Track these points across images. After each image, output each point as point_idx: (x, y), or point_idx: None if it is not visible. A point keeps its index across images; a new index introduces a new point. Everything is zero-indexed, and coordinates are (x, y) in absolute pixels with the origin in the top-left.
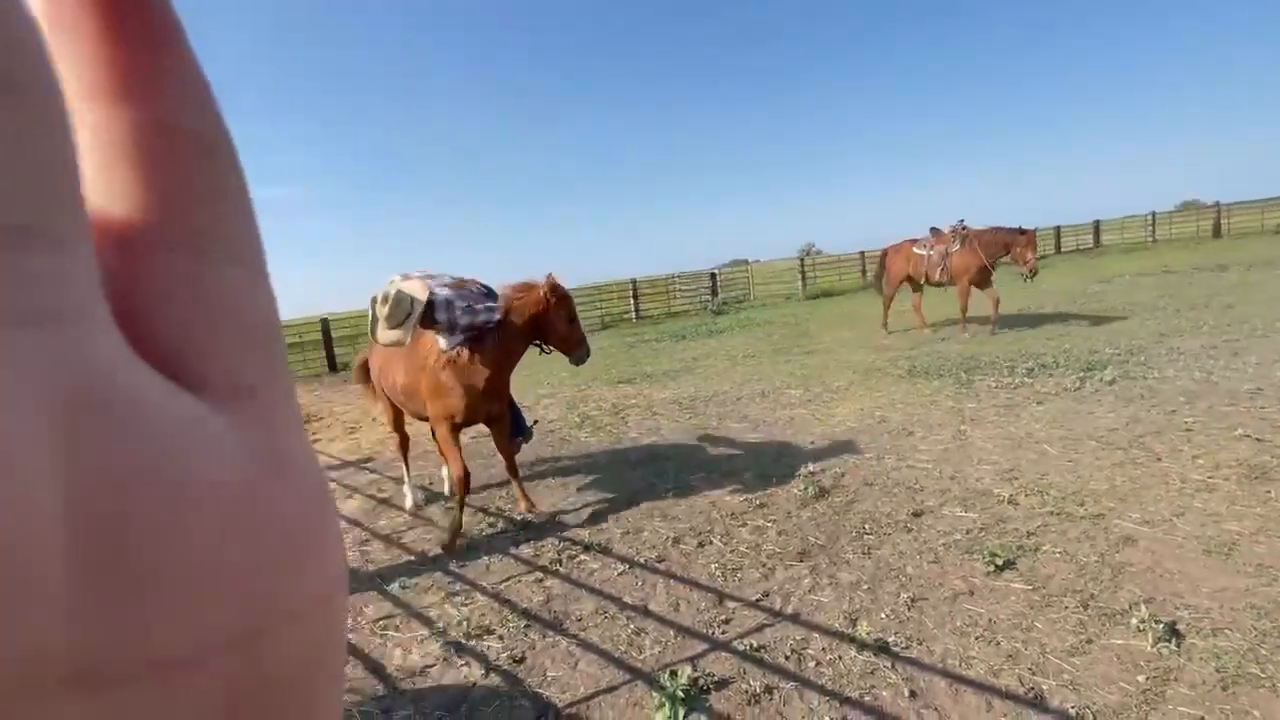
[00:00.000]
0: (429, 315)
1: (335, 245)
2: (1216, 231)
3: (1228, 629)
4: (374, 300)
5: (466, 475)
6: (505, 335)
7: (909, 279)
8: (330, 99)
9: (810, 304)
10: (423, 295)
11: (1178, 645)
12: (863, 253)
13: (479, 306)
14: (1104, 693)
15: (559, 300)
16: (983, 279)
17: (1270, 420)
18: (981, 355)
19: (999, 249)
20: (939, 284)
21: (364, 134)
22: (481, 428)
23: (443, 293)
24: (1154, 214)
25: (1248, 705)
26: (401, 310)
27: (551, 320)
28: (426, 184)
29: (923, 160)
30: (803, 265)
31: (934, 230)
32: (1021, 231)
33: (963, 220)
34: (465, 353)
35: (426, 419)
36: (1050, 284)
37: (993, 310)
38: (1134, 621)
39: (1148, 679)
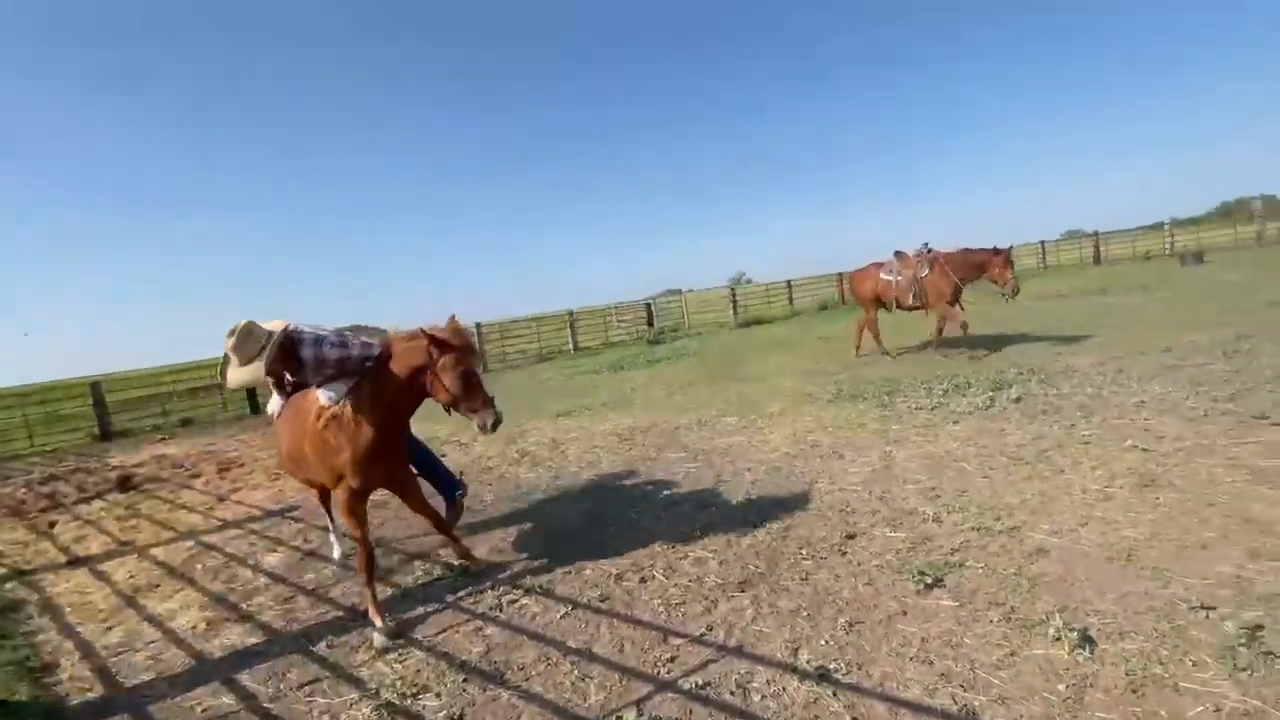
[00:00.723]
0: (292, 353)
1: (250, 282)
2: (1097, 258)
3: (1132, 632)
4: (226, 335)
5: (370, 551)
6: (388, 388)
7: (875, 302)
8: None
9: (742, 332)
10: (277, 328)
11: (1091, 651)
12: (789, 281)
13: (354, 342)
14: (1030, 705)
15: (446, 351)
16: (955, 300)
17: (1154, 431)
18: (901, 377)
19: (972, 270)
20: (911, 308)
21: (292, 164)
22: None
23: (308, 328)
24: (1043, 242)
25: (1155, 706)
26: (254, 343)
27: (439, 376)
28: (355, 222)
29: (840, 189)
30: (734, 294)
31: (898, 254)
32: (996, 251)
33: (927, 243)
34: (348, 408)
35: (320, 487)
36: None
37: (938, 331)
38: (1051, 631)
39: (1067, 687)
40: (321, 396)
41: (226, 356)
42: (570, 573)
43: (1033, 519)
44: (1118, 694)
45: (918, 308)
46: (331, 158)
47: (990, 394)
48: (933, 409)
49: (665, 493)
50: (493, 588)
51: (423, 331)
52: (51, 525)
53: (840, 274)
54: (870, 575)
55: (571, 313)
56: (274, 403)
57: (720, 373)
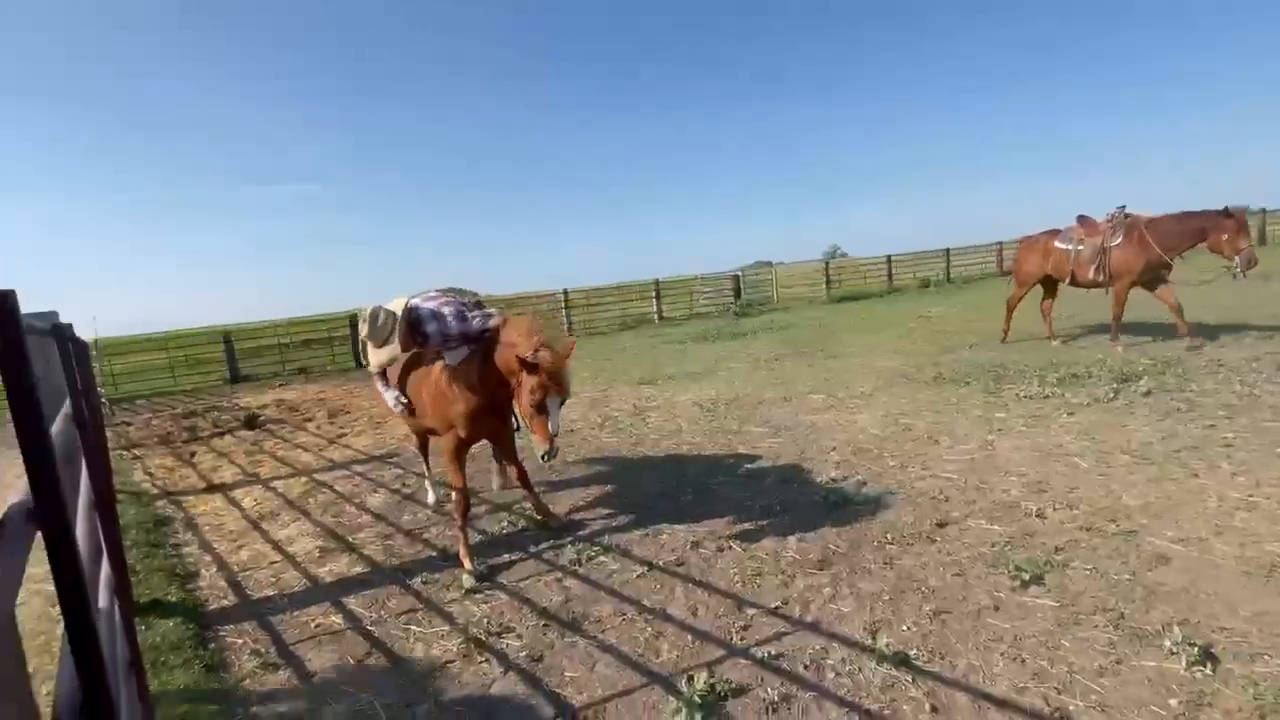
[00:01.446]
0: (418, 329)
1: (359, 242)
2: (1262, 237)
3: (1267, 654)
4: (358, 323)
5: (467, 500)
6: (493, 362)
7: (1046, 279)
8: (349, 99)
9: (835, 307)
10: (399, 309)
11: (1213, 670)
12: (889, 257)
13: (471, 315)
14: (1134, 716)
15: (531, 374)
16: (1153, 279)
17: None
18: (1010, 364)
19: (1185, 239)
20: (1092, 285)
21: (386, 134)
22: None
23: (427, 305)
24: None
25: None
26: (384, 327)
27: (520, 387)
28: (453, 188)
29: (951, 165)
30: (828, 268)
31: (1082, 219)
32: (1226, 214)
33: (1123, 206)
34: (465, 369)
35: (427, 432)
36: (1083, 290)
37: (1176, 316)
38: (1167, 643)
39: (1180, 704)
40: (447, 357)
41: (363, 342)
42: (648, 535)
43: (1155, 523)
44: (1243, 717)
45: (1100, 284)
46: (438, 127)
47: (1115, 386)
48: (1045, 398)
49: (746, 466)
50: (573, 543)
51: (527, 340)
52: (192, 455)
53: (947, 249)
54: (961, 566)
55: (657, 282)
56: (376, 356)
57: (809, 348)
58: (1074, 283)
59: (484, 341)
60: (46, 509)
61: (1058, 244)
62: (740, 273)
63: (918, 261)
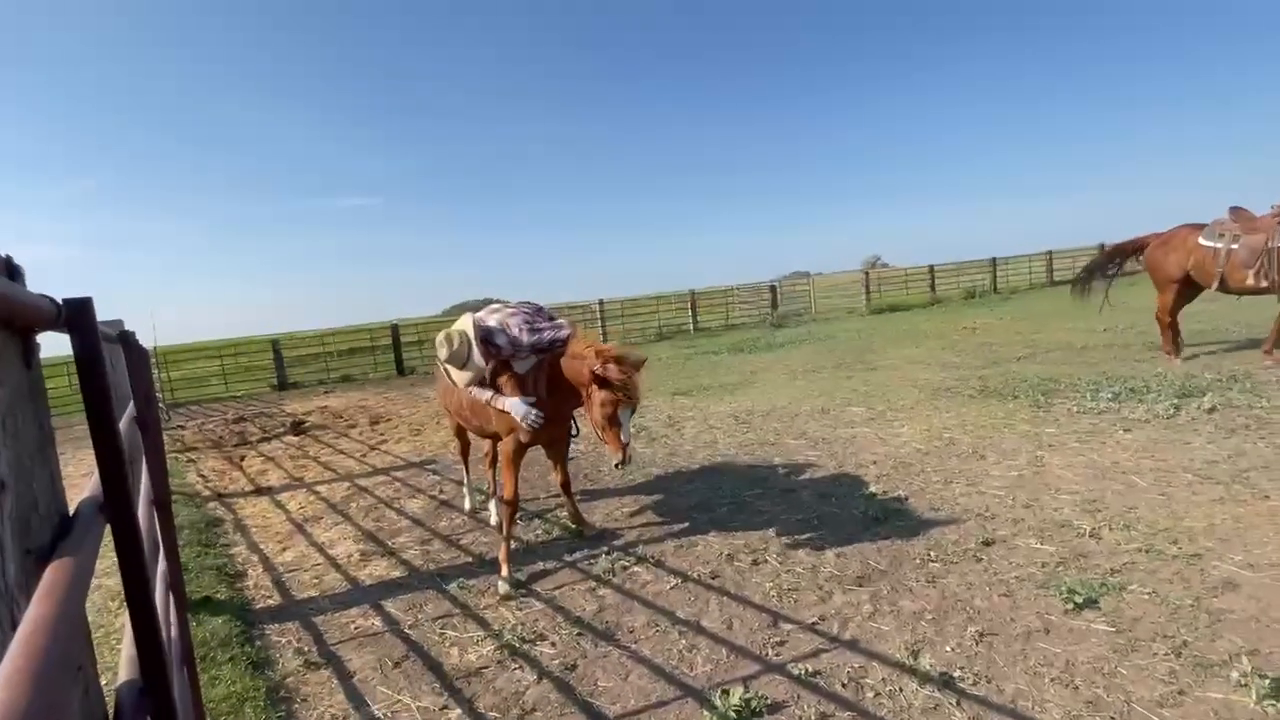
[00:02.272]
0: (491, 344)
1: (407, 255)
2: None
3: None
4: (437, 350)
5: (516, 502)
6: (561, 373)
7: (1185, 282)
8: (400, 117)
9: (874, 319)
10: (469, 328)
11: None
12: (931, 266)
13: (542, 325)
14: None
15: (603, 387)
16: None
17: None
18: (1061, 377)
19: None
20: (1251, 291)
21: (440, 151)
22: None
23: (492, 320)
24: None
25: None
26: (460, 350)
27: (591, 400)
28: (498, 201)
29: (996, 175)
30: (867, 279)
31: (1236, 211)
32: None
33: None
34: (532, 377)
35: (490, 436)
36: (1140, 301)
37: (1276, 331)
38: (1234, 675)
39: None
40: (515, 364)
41: (444, 367)
42: (682, 547)
43: (1221, 546)
44: None
45: (1265, 290)
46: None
47: (1175, 401)
48: (1099, 414)
49: (783, 479)
50: (607, 553)
51: (596, 355)
52: (241, 459)
53: (993, 259)
54: (1009, 587)
55: (693, 292)
56: (461, 377)
57: (848, 360)
58: (1222, 287)
59: (552, 351)
60: (116, 503)
61: (1202, 241)
62: (777, 283)
63: (961, 271)
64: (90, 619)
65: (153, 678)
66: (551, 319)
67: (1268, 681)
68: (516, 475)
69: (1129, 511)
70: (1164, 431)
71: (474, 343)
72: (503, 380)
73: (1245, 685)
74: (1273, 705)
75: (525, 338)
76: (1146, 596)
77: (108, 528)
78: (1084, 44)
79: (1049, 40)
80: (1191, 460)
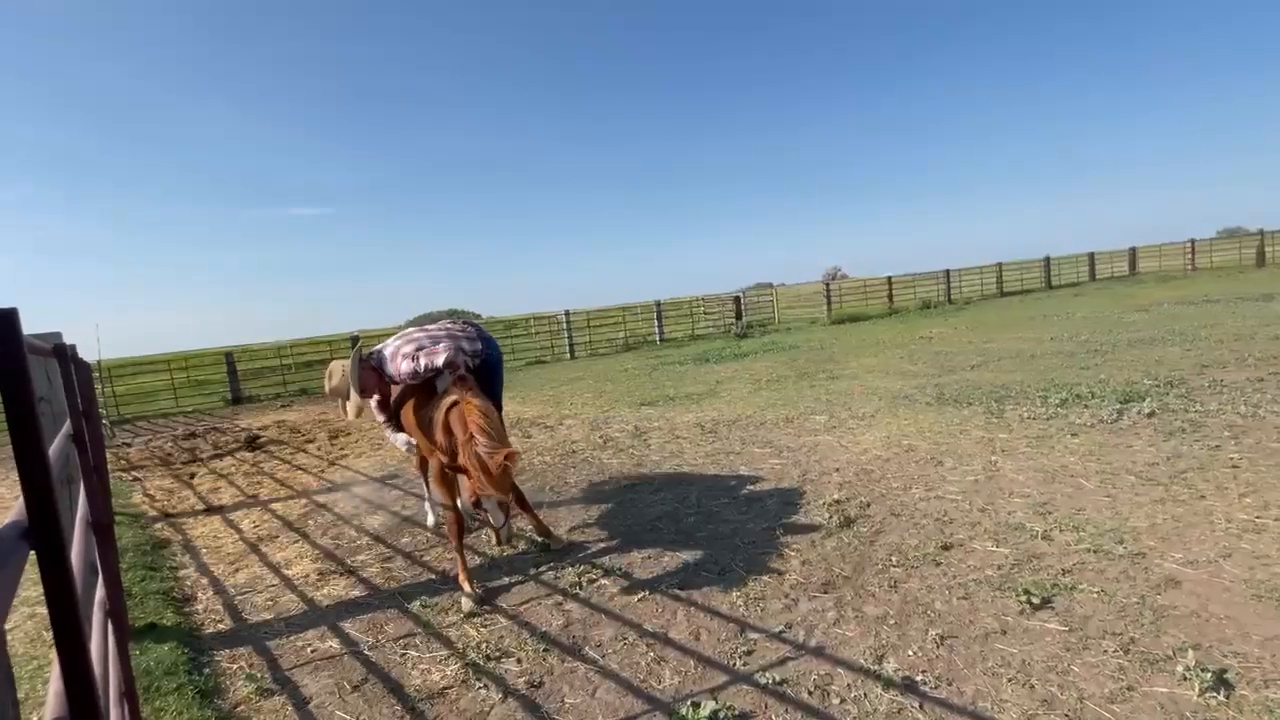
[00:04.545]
0: (381, 373)
1: (365, 264)
2: (1261, 260)
3: None
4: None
5: (461, 523)
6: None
7: None
8: (360, 123)
9: (836, 329)
10: (353, 359)
11: (1227, 696)
12: (889, 278)
13: (423, 354)
14: None
15: (458, 471)
16: None
17: None
18: (1012, 384)
19: None
20: None
21: (393, 159)
22: None
23: (389, 347)
24: (1193, 241)
25: None
26: (347, 379)
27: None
28: (454, 210)
29: (947, 187)
30: (828, 289)
31: None
32: None
33: None
34: (456, 390)
35: (423, 456)
36: (1084, 312)
37: None
38: (1179, 669)
39: None
40: (438, 383)
41: (338, 399)
42: (649, 558)
43: (1163, 545)
44: None
45: None
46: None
47: (1118, 406)
48: (1048, 419)
49: (748, 487)
50: (573, 565)
51: (465, 433)
52: (191, 476)
53: (947, 270)
54: (967, 589)
55: (658, 303)
56: (351, 408)
57: (810, 369)
58: None
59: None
60: (41, 527)
61: None
62: (742, 294)
63: (917, 282)
64: (21, 650)
65: (83, 713)
66: (482, 338)
67: (1209, 674)
68: (454, 491)
69: (1078, 513)
70: (1108, 435)
71: (349, 372)
72: (406, 408)
73: (1189, 679)
74: (1215, 696)
75: (403, 367)
76: (1095, 595)
77: (32, 555)
78: (1033, 60)
79: (1000, 61)
80: (1134, 462)
